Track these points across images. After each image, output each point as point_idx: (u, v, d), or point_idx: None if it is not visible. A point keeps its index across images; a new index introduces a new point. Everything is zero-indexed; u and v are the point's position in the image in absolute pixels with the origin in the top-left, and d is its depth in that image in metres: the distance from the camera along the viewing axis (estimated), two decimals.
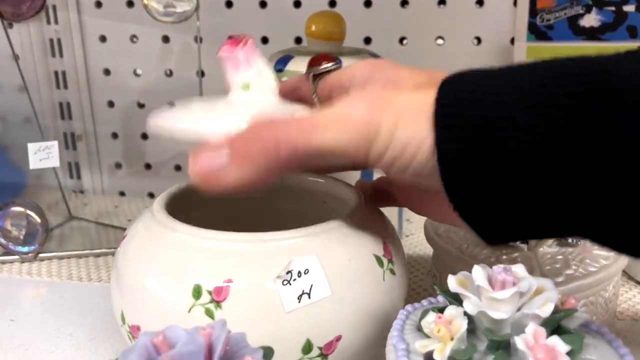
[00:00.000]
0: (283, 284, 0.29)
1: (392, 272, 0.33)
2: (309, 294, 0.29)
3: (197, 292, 0.29)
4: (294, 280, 0.29)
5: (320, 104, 0.36)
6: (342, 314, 0.30)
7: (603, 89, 0.23)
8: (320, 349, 0.29)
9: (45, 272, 0.51)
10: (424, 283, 0.48)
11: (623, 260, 0.37)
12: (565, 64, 0.25)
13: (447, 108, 0.25)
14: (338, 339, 0.30)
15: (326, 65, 0.35)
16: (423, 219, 0.43)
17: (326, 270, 0.30)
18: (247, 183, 0.27)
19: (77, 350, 0.39)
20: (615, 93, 0.23)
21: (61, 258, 0.54)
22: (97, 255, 0.55)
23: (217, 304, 0.29)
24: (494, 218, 0.26)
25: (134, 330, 0.31)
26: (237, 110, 0.32)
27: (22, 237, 0.53)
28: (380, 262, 0.32)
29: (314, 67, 0.36)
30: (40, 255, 0.54)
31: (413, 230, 0.60)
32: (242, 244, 0.30)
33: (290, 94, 0.36)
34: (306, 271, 0.29)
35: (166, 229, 0.32)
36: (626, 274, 0.49)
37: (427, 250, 0.55)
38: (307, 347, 0.29)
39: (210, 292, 0.29)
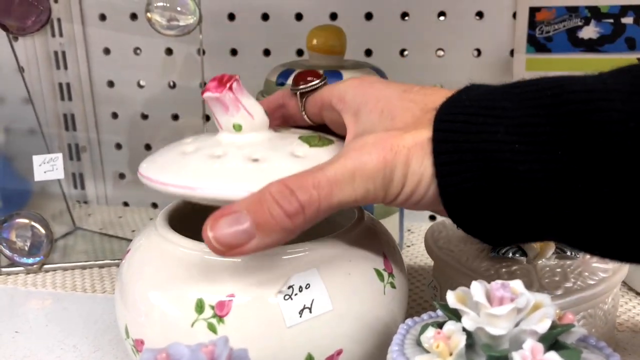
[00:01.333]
0: (284, 299, 0.29)
1: (393, 285, 0.33)
2: (310, 309, 0.29)
3: (199, 307, 0.29)
4: (295, 295, 0.29)
5: (311, 121, 0.36)
6: (343, 328, 0.30)
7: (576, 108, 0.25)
8: None
9: (50, 284, 0.52)
10: (425, 294, 0.49)
11: (622, 273, 0.37)
12: (543, 84, 0.27)
13: (442, 145, 0.27)
14: (339, 352, 0.30)
15: (313, 83, 0.34)
16: (424, 229, 0.43)
17: (327, 284, 0.30)
18: (267, 247, 0.27)
19: None
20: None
21: (65, 269, 0.54)
22: (101, 267, 0.55)
23: (220, 318, 0.29)
24: (497, 234, 0.29)
25: (138, 344, 0.32)
26: (242, 167, 0.30)
27: (27, 248, 0.53)
28: (380, 276, 0.32)
29: (300, 84, 0.35)
30: (45, 266, 0.54)
31: (414, 241, 0.60)
32: (244, 259, 0.30)
33: (275, 111, 0.36)
34: (307, 286, 0.30)
35: (169, 243, 0.32)
36: (626, 285, 0.49)
37: (428, 260, 0.55)
38: None
39: (212, 307, 0.29)
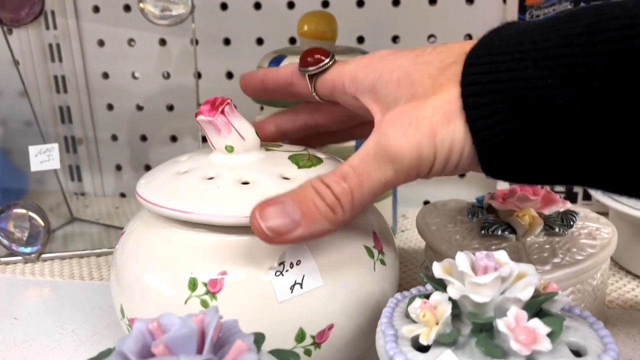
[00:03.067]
0: (276, 275, 0.30)
1: (383, 262, 0.33)
2: (301, 284, 0.30)
3: (192, 285, 0.30)
4: (287, 271, 0.30)
5: (322, 100, 0.35)
6: (333, 303, 0.31)
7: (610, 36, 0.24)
8: (313, 337, 0.30)
9: (48, 272, 0.52)
10: (417, 276, 0.49)
11: (610, 249, 0.38)
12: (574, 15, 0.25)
13: (470, 88, 0.26)
14: (330, 327, 0.31)
15: (322, 64, 0.34)
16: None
17: (318, 261, 0.31)
18: (312, 237, 0.28)
19: (80, 346, 0.40)
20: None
21: (63, 258, 0.55)
22: (99, 255, 0.56)
23: (213, 295, 0.30)
24: (534, 177, 0.28)
25: (133, 323, 0.32)
26: (233, 190, 0.31)
27: (25, 238, 0.54)
28: (370, 253, 0.33)
29: (309, 65, 0.34)
30: (43, 255, 0.55)
31: (408, 226, 0.60)
32: (236, 236, 0.31)
33: (283, 90, 0.36)
34: (298, 262, 0.30)
35: (161, 223, 0.33)
36: (617, 264, 0.50)
37: (421, 244, 0.56)
38: (300, 336, 0.30)
39: (205, 284, 0.30)
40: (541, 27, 0.26)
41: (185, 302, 0.30)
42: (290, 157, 0.34)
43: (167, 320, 0.22)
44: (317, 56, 0.34)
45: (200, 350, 0.21)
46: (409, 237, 0.58)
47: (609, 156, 0.25)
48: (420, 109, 0.27)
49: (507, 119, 0.26)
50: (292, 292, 0.30)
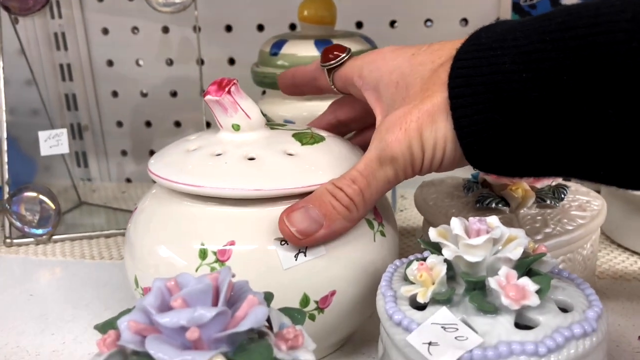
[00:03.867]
0: (281, 244, 0.32)
1: (383, 234, 0.35)
2: (305, 253, 0.32)
3: (203, 254, 0.32)
4: None
5: (341, 93, 0.39)
6: (336, 270, 0.33)
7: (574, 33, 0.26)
8: (316, 302, 0.32)
9: (60, 253, 0.54)
10: (416, 250, 0.51)
11: (599, 219, 0.39)
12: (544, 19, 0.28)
13: (456, 80, 0.29)
14: (333, 293, 0.33)
15: (337, 59, 0.37)
16: None
17: None
18: (334, 235, 0.32)
19: (95, 318, 0.42)
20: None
21: (73, 239, 0.57)
22: (107, 237, 0.57)
23: (222, 263, 0.31)
24: (510, 165, 0.30)
25: (146, 292, 0.34)
26: (240, 165, 0.33)
27: (36, 220, 0.55)
28: (371, 224, 0.35)
29: (327, 60, 0.38)
30: (54, 237, 0.56)
31: (407, 206, 0.62)
32: (243, 208, 0.32)
33: (310, 84, 0.40)
34: None
35: (172, 198, 0.34)
36: (608, 238, 0.51)
37: (419, 222, 0.57)
38: (305, 301, 0.32)
39: (215, 253, 0.32)
40: (524, 25, 0.28)
41: (197, 270, 0.32)
42: (294, 135, 0.36)
43: (183, 279, 0.24)
44: (336, 52, 0.38)
45: (215, 305, 0.23)
46: (409, 215, 0.60)
47: (577, 145, 0.27)
48: (410, 114, 0.31)
49: (485, 110, 0.28)
50: (296, 260, 0.32)
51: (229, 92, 0.34)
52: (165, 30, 0.69)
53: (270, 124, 0.38)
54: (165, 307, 0.23)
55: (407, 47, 0.35)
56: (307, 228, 0.31)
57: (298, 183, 0.32)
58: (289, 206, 0.32)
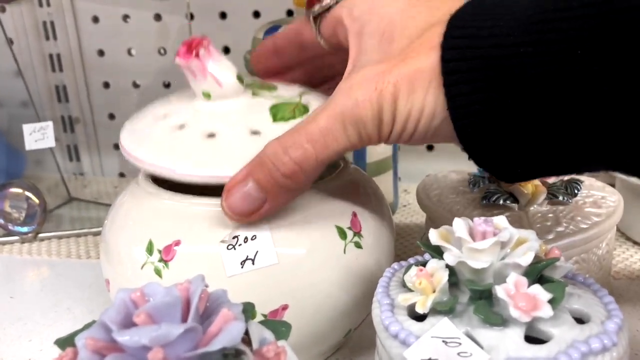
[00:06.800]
0: (227, 248, 0.29)
1: (358, 245, 0.31)
2: (253, 260, 0.29)
3: (149, 251, 0.30)
4: (240, 245, 0.29)
5: (328, 46, 0.33)
6: (288, 283, 0.29)
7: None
8: (265, 316, 0.29)
9: (45, 251, 0.52)
10: (418, 250, 0.48)
11: (615, 217, 0.37)
12: None
13: (450, 52, 0.25)
14: (284, 307, 0.29)
15: (325, 3, 0.32)
16: None
17: (275, 238, 0.29)
18: (281, 207, 0.29)
19: (75, 324, 0.40)
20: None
21: (60, 237, 0.54)
22: (96, 234, 0.55)
23: (166, 263, 0.29)
24: (511, 159, 0.26)
25: (106, 283, 0.33)
26: (197, 143, 0.30)
27: (21, 218, 0.53)
28: (343, 234, 0.31)
29: (314, 6, 0.32)
30: (40, 235, 0.54)
31: (410, 200, 0.59)
32: (195, 199, 0.30)
33: (294, 40, 0.35)
34: (253, 237, 0.29)
35: (138, 189, 0.33)
36: (624, 235, 0.48)
37: (423, 219, 0.55)
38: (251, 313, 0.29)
39: (160, 252, 0.29)
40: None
41: (141, 268, 0.30)
42: (272, 107, 0.32)
43: (150, 290, 0.21)
44: None
45: (185, 320, 0.20)
46: (411, 211, 0.57)
47: (602, 132, 0.24)
48: (388, 74, 0.27)
49: (483, 88, 0.25)
50: (242, 267, 0.29)
51: (197, 55, 0.30)
52: (158, 18, 0.66)
53: (255, 86, 0.33)
54: (128, 323, 0.20)
55: None
56: (248, 209, 0.28)
57: None
58: (228, 182, 0.29)
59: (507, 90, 0.24)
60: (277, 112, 0.31)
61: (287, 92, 0.33)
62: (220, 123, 0.31)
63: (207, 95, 0.32)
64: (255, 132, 0.30)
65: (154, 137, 0.31)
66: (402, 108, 0.27)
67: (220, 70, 0.31)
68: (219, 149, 0.30)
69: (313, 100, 0.33)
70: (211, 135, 0.30)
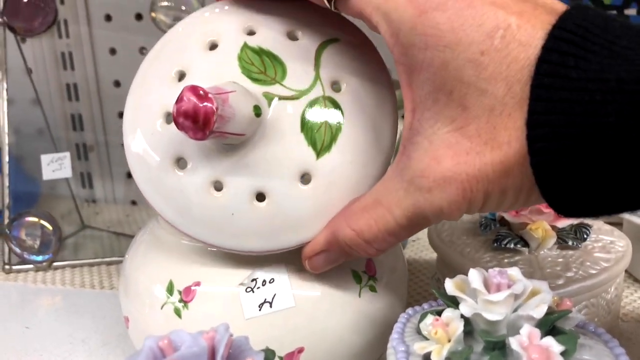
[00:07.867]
0: (246, 291, 0.30)
1: (373, 289, 0.32)
2: (270, 303, 0.30)
3: (170, 291, 0.31)
4: (258, 288, 0.30)
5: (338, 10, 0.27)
6: (305, 326, 0.30)
7: None
8: (281, 358, 0.30)
9: (59, 281, 0.53)
10: (429, 287, 0.49)
11: (624, 262, 0.37)
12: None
13: (539, 144, 0.22)
14: (300, 350, 0.30)
15: None
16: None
17: (293, 281, 0.30)
18: None
19: (90, 356, 0.40)
20: None
21: (74, 266, 0.55)
22: (109, 264, 0.56)
23: (185, 303, 0.30)
24: (588, 205, 0.23)
25: (125, 321, 0.34)
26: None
27: (36, 246, 0.54)
28: (358, 278, 0.32)
29: None
30: (54, 264, 0.55)
31: (420, 235, 0.60)
32: (216, 248, 0.31)
33: None
34: (271, 280, 0.30)
35: (158, 227, 0.34)
36: (632, 276, 0.49)
37: (433, 254, 0.55)
38: (270, 355, 0.29)
39: (180, 292, 0.30)
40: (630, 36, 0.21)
41: (161, 308, 0.30)
42: (305, 132, 0.28)
43: (177, 337, 0.22)
44: None
45: None
46: (421, 246, 0.58)
47: None
48: (472, 165, 0.23)
49: (575, 167, 0.21)
50: (260, 310, 0.29)
51: (209, 130, 0.25)
52: None
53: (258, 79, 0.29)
54: None
55: (480, 12, 0.22)
56: (333, 265, 0.30)
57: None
58: (308, 246, 0.29)
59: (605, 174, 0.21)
60: (315, 139, 0.28)
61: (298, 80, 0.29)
62: (263, 175, 0.28)
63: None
64: (305, 177, 0.28)
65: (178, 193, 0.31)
66: (492, 204, 0.25)
67: (237, 125, 0.27)
68: (275, 215, 0.28)
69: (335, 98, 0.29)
70: (261, 196, 0.28)
